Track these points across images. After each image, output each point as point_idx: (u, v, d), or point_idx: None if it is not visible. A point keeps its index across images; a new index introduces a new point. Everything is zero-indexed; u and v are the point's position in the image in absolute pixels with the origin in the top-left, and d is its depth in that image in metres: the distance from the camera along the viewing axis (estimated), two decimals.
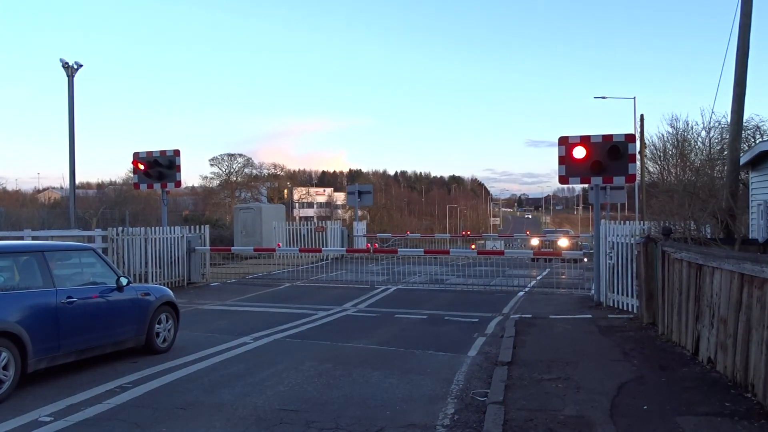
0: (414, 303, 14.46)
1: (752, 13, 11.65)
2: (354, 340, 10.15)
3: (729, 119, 12.84)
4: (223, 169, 71.49)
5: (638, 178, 24.71)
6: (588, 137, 13.14)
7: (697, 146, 25.00)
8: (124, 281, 8.56)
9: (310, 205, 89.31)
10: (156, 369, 8.06)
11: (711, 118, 29.21)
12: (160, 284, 13.57)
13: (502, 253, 21.25)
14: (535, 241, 40.46)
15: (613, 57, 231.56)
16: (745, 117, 14.57)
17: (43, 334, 7.20)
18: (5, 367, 6.72)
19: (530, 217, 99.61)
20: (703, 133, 24.18)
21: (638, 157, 26.11)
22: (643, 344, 9.37)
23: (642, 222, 15.64)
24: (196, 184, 75.54)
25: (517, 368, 7.91)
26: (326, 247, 27.64)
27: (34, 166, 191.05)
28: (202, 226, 19.99)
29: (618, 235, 13.21)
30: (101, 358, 8.43)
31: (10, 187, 53.56)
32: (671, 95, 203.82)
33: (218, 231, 30.70)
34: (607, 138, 13.03)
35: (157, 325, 9.11)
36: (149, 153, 17.84)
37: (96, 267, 8.61)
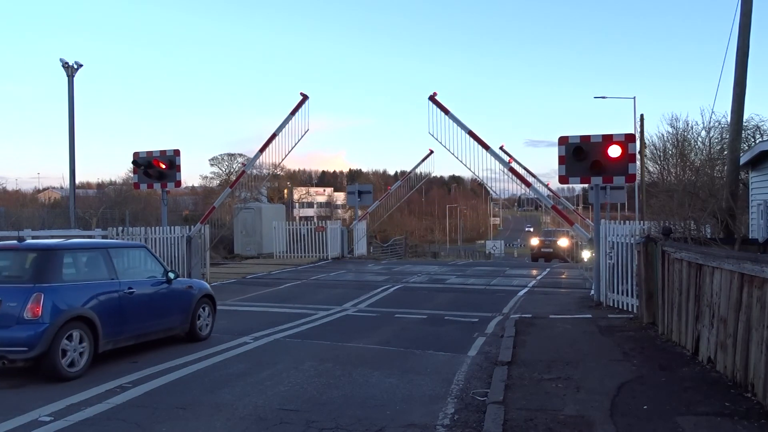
0: (414, 303, 14.46)
1: (752, 13, 11.65)
2: (354, 340, 10.15)
3: (729, 119, 12.84)
4: (223, 169, 71.37)
5: (638, 178, 24.69)
6: (588, 137, 13.14)
7: (697, 146, 25.06)
8: (172, 275, 9.58)
9: (310, 205, 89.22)
10: (156, 369, 8.06)
11: (711, 118, 29.15)
12: None
13: (529, 183, 18.76)
14: (535, 241, 40.56)
15: (613, 57, 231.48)
16: (745, 117, 14.58)
17: (110, 320, 8.21)
18: (82, 346, 7.76)
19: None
20: (703, 133, 24.24)
21: (638, 157, 26.09)
22: (643, 344, 9.37)
23: (642, 222, 15.63)
24: (196, 184, 75.49)
25: (517, 368, 7.91)
26: (327, 246, 27.66)
27: (34, 166, 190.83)
28: (202, 226, 20.00)
29: (618, 235, 13.21)
30: (101, 358, 8.43)
31: (10, 187, 53.45)
32: (671, 95, 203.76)
33: (218, 230, 30.68)
34: (607, 138, 13.03)
35: (197, 316, 10.02)
36: (149, 153, 17.84)
37: (148, 263, 9.60)
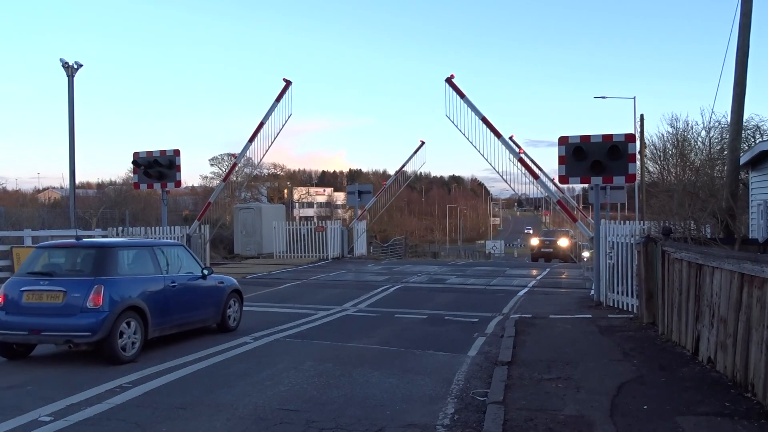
0: (414, 303, 14.46)
1: (752, 13, 11.65)
2: (354, 340, 10.15)
3: (729, 119, 12.84)
4: (223, 169, 71.40)
5: (638, 178, 24.67)
6: (588, 137, 13.14)
7: (697, 146, 25.05)
8: (206, 272, 10.46)
9: (310, 204, 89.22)
10: (156, 368, 8.06)
11: (711, 118, 29.13)
12: None
13: (537, 176, 18.24)
14: (535, 241, 40.55)
15: (613, 57, 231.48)
16: (745, 117, 14.57)
17: (158, 310, 9.12)
18: (135, 333, 8.64)
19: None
20: (703, 133, 24.23)
21: (638, 157, 26.07)
22: (643, 344, 9.37)
23: (642, 222, 15.63)
24: (196, 184, 75.48)
25: (517, 368, 7.91)
26: (327, 246, 27.64)
27: (34, 166, 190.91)
28: (202, 226, 20.02)
29: (618, 235, 13.21)
30: (99, 356, 8.43)
31: (10, 187, 53.43)
32: (671, 95, 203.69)
33: (218, 231, 30.68)
34: (607, 138, 13.03)
35: (228, 308, 10.82)
36: (149, 153, 17.85)
37: (186, 259, 10.37)
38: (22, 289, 8.50)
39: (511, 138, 23.11)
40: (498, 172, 17.84)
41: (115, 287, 8.54)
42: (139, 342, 8.70)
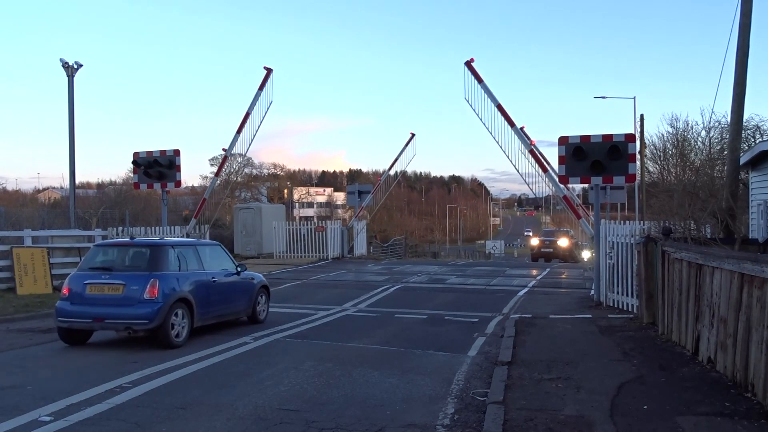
0: (414, 303, 14.46)
1: (752, 13, 11.64)
2: (354, 340, 10.15)
3: (729, 119, 12.83)
4: (223, 169, 71.27)
5: (638, 178, 24.65)
6: (588, 137, 13.13)
7: (697, 146, 25.03)
8: (240, 269, 11.36)
9: (310, 205, 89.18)
10: (156, 368, 8.06)
11: (711, 118, 29.10)
12: None
13: (546, 168, 18.65)
14: (535, 241, 40.54)
15: (613, 57, 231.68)
16: (745, 117, 14.55)
17: (201, 302, 10.05)
18: (184, 321, 9.58)
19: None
20: (703, 133, 24.22)
21: (638, 157, 26.05)
22: (643, 344, 9.37)
23: (642, 222, 15.61)
24: (196, 184, 75.41)
25: (517, 368, 7.91)
26: (327, 246, 27.63)
27: (34, 166, 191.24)
28: (203, 226, 20.03)
29: (618, 235, 13.20)
30: (99, 356, 8.43)
31: (10, 187, 53.41)
32: (671, 95, 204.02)
33: (218, 231, 30.65)
34: (607, 138, 13.02)
35: (258, 302, 11.70)
36: (149, 153, 17.84)
37: (222, 257, 11.24)
38: (86, 282, 9.44)
39: (522, 129, 23.22)
40: (509, 159, 17.97)
41: (167, 281, 9.48)
42: (186, 330, 9.64)
